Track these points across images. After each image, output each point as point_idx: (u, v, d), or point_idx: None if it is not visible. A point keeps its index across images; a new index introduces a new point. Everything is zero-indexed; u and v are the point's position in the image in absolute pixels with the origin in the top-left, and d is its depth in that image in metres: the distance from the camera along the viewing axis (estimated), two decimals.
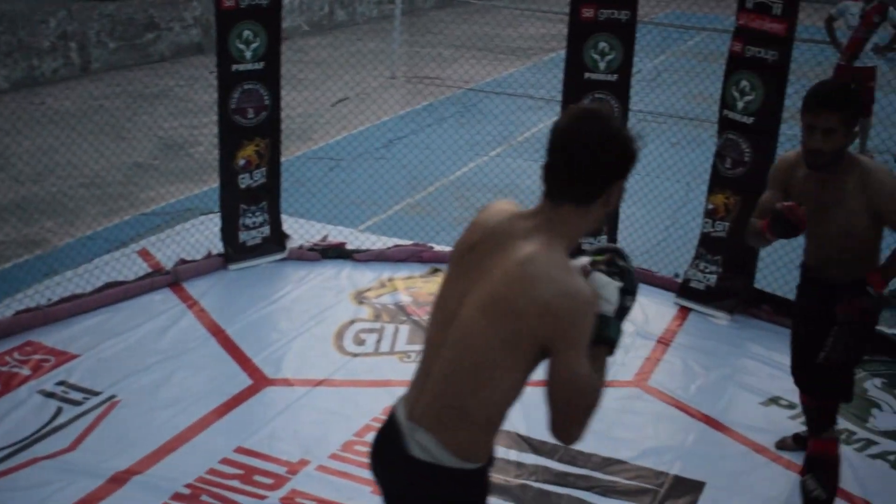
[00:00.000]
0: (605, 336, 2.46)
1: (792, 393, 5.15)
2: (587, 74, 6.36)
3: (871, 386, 5.34)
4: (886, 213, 3.70)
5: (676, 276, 6.47)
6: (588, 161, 2.40)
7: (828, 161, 3.66)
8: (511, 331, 2.37)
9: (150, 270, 6.20)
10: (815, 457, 4.03)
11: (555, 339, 2.34)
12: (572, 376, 2.35)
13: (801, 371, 4.30)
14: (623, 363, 5.42)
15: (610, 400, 4.97)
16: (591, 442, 4.59)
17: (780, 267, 6.29)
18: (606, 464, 4.48)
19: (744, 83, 5.75)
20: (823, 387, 4.05)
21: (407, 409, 2.57)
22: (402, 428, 2.54)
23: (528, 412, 4.83)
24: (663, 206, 7.80)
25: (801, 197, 3.82)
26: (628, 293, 2.53)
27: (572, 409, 2.38)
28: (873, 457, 4.69)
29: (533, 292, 2.34)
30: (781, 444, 4.70)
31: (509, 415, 2.52)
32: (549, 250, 2.39)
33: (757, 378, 5.34)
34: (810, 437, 4.12)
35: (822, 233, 3.86)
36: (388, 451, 2.60)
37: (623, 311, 2.52)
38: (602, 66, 6.33)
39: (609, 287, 2.49)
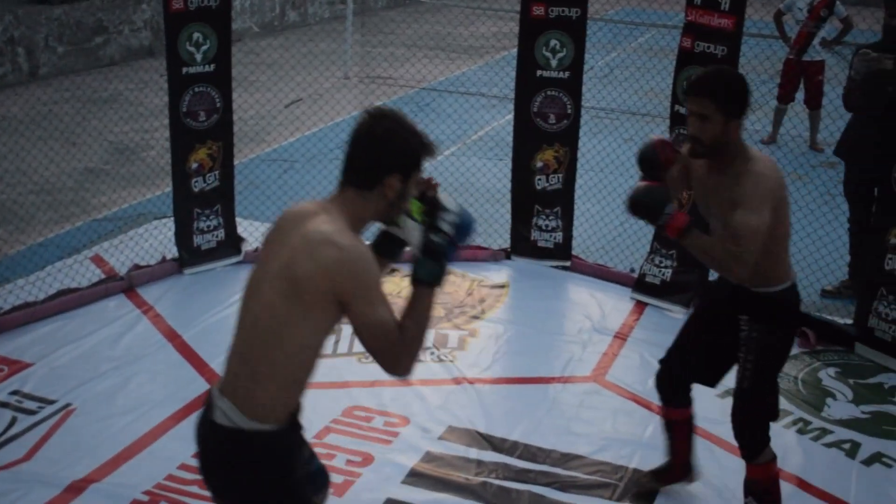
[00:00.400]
0: (416, 276, 2.71)
1: None
2: (539, 72, 6.40)
3: (826, 375, 5.41)
4: (738, 202, 3.47)
5: (632, 271, 6.51)
6: (364, 152, 2.72)
7: (706, 149, 3.54)
8: (298, 293, 2.61)
9: (103, 276, 6.13)
10: (755, 482, 3.92)
11: (344, 296, 2.61)
12: (370, 325, 2.62)
13: (678, 380, 4.16)
14: (581, 359, 5.46)
15: (568, 395, 5.06)
16: (550, 437, 4.63)
17: None
18: (566, 459, 4.50)
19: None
20: (748, 413, 3.85)
21: (218, 384, 2.80)
22: (213, 400, 2.77)
23: (487, 410, 4.88)
24: (617, 202, 7.83)
25: (697, 188, 3.77)
26: (437, 230, 2.73)
27: (386, 352, 2.65)
28: (828, 445, 4.75)
29: (315, 255, 2.60)
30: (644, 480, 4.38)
31: (309, 379, 2.75)
32: (331, 221, 2.67)
33: None
34: (746, 461, 3.93)
35: (713, 228, 3.77)
36: (200, 424, 2.82)
37: (429, 248, 2.72)
38: (554, 63, 6.37)
39: (412, 231, 2.76)
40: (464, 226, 2.77)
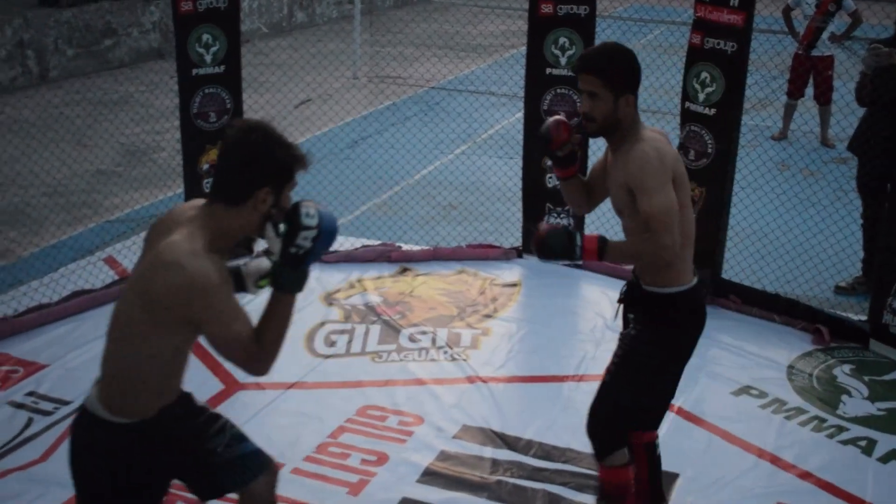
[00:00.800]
0: (277, 284, 2.78)
1: (762, 382, 5.23)
2: (549, 70, 6.40)
3: (841, 373, 5.40)
4: (634, 189, 3.38)
5: None
6: (233, 166, 2.75)
7: (598, 128, 3.47)
8: (149, 308, 2.71)
9: (117, 278, 6.15)
10: (602, 483, 3.77)
11: (194, 318, 2.69)
12: (225, 343, 2.71)
13: None
14: (594, 357, 5.45)
15: (582, 394, 5.04)
16: (565, 436, 4.63)
17: (746, 257, 6.35)
18: (581, 458, 4.49)
19: (704, 75, 5.78)
20: (598, 409, 3.70)
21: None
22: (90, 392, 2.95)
23: (501, 409, 4.88)
24: None
25: (604, 170, 3.68)
26: (292, 243, 2.74)
27: (243, 361, 2.77)
28: (844, 443, 4.73)
29: (164, 278, 2.65)
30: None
31: (171, 382, 2.90)
32: (189, 239, 2.70)
33: (727, 368, 5.38)
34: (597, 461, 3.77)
35: (618, 214, 3.64)
36: (78, 412, 2.99)
37: (288, 258, 2.75)
38: (563, 61, 6.36)
39: (270, 240, 2.78)
40: (323, 235, 2.76)
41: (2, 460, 4.34)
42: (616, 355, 3.69)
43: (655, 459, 3.94)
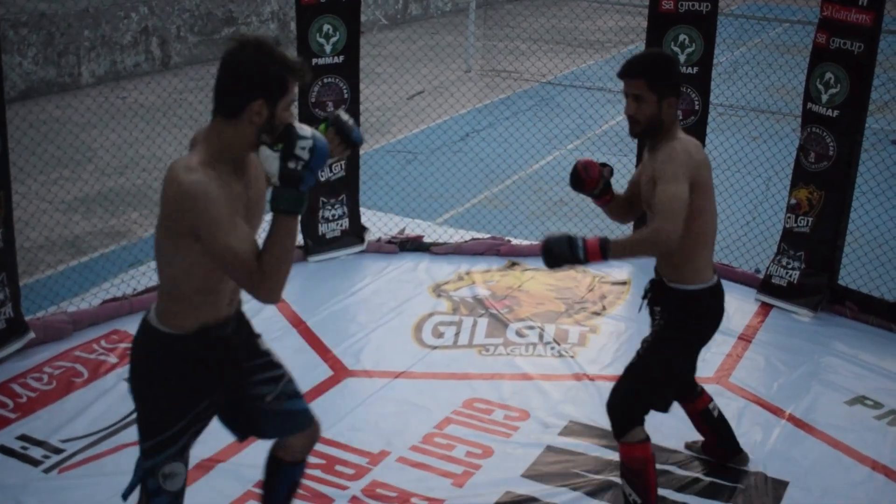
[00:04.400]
0: (276, 205, 2.77)
1: (878, 392, 5.09)
2: None
3: None
4: (657, 178, 3.59)
5: (757, 271, 6.39)
6: (227, 80, 2.79)
7: (642, 129, 3.69)
8: (166, 222, 2.81)
9: None
10: (622, 460, 3.88)
11: (192, 228, 2.75)
12: (220, 254, 2.75)
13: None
14: (704, 359, 5.33)
15: None
16: (672, 438, 4.57)
17: (864, 263, 6.17)
18: (689, 460, 4.44)
19: (828, 75, 5.64)
20: (622, 387, 3.88)
21: None
22: None
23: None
24: (743, 200, 7.70)
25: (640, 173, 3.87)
26: (291, 156, 2.74)
27: (243, 279, 2.78)
28: None
29: (167, 190, 2.76)
30: (690, 445, 4.56)
31: (211, 298, 2.94)
32: (193, 154, 2.80)
33: (841, 376, 5.25)
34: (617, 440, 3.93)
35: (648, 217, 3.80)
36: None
37: (287, 175, 2.74)
38: (682, 58, 6.27)
39: (267, 159, 2.79)
40: (318, 150, 2.76)
41: (117, 435, 4.47)
42: (644, 342, 3.92)
43: (716, 422, 4.32)
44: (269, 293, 2.80)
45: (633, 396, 3.86)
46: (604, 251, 3.56)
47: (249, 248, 2.77)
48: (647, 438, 3.86)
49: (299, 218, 2.83)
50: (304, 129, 2.77)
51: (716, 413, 4.32)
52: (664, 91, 3.64)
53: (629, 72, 3.67)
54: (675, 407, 4.87)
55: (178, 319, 2.96)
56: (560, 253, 3.57)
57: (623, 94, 3.71)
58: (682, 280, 3.80)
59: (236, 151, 2.84)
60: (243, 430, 3.31)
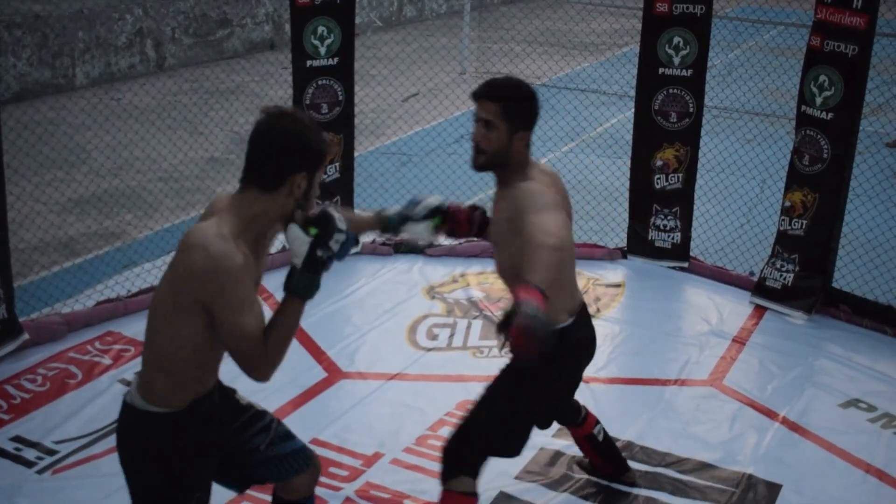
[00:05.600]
0: (290, 286, 2.73)
1: (872, 395, 5.10)
2: (661, 70, 6.32)
3: None
4: (519, 217, 3.14)
5: (752, 274, 6.40)
6: (267, 152, 2.73)
7: (487, 160, 3.33)
8: (175, 290, 2.70)
9: None
10: None
11: (210, 302, 2.64)
12: (232, 333, 2.66)
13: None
14: (697, 362, 5.38)
15: (684, 398, 4.99)
16: (666, 440, 4.58)
17: (859, 266, 6.18)
18: (681, 463, 4.44)
19: (822, 78, 5.65)
20: (456, 431, 3.54)
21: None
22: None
23: (601, 409, 4.83)
24: (738, 203, 7.71)
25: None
26: (323, 245, 2.73)
27: (246, 358, 2.69)
28: None
29: (187, 259, 2.65)
30: (579, 462, 4.35)
31: (203, 371, 2.82)
32: (216, 223, 2.69)
33: (835, 379, 5.26)
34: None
35: (498, 262, 3.48)
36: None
37: (313, 262, 2.72)
38: (676, 61, 6.28)
39: (297, 241, 2.73)
40: (348, 245, 2.76)
41: (113, 436, 4.43)
42: (489, 382, 3.58)
43: (601, 445, 4.13)
44: (267, 373, 2.75)
45: (468, 440, 3.51)
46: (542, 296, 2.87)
47: (261, 328, 2.71)
48: (475, 495, 3.49)
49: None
50: (341, 221, 2.76)
51: (601, 437, 4.10)
52: (517, 123, 3.31)
53: (484, 93, 3.32)
54: (668, 409, 4.89)
55: (168, 396, 2.82)
56: (540, 333, 2.75)
57: (474, 119, 3.36)
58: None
59: (268, 224, 2.79)
60: (242, 482, 3.24)
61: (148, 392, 2.83)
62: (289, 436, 3.21)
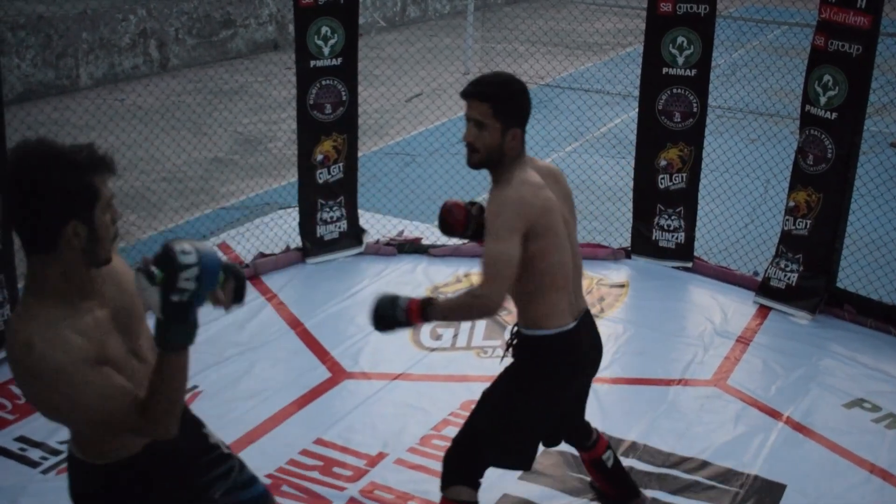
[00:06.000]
0: (164, 342, 2.30)
1: (876, 395, 5.09)
2: (665, 69, 6.32)
3: None
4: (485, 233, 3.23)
5: (755, 274, 6.39)
6: (20, 208, 2.25)
7: (480, 160, 3.31)
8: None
9: None
10: None
11: (54, 405, 2.32)
12: (93, 420, 2.33)
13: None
14: (701, 362, 5.38)
15: (688, 398, 4.99)
16: (670, 440, 4.58)
17: (863, 266, 6.18)
18: (685, 463, 4.44)
19: (827, 78, 5.65)
20: (457, 438, 3.57)
21: None
22: None
23: (605, 409, 4.85)
24: (742, 203, 7.70)
25: None
26: (172, 289, 2.24)
27: (126, 430, 2.37)
28: None
29: (13, 368, 2.30)
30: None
31: (120, 436, 2.47)
32: (18, 318, 2.30)
33: (840, 379, 5.25)
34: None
35: None
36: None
37: (171, 310, 2.26)
38: (680, 61, 6.28)
39: (145, 292, 2.27)
40: (207, 274, 2.26)
41: None
42: (487, 388, 3.58)
43: (610, 472, 4.00)
44: (165, 433, 2.38)
45: (468, 449, 3.51)
46: (424, 314, 3.26)
47: (121, 401, 2.32)
48: None
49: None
50: (187, 252, 2.25)
51: (610, 463, 4.00)
52: (510, 121, 3.26)
53: (473, 93, 3.27)
54: (672, 409, 4.89)
55: (104, 447, 2.51)
56: (384, 314, 3.29)
57: (465, 118, 3.33)
58: (529, 324, 3.42)
59: (75, 281, 2.34)
60: None
61: (84, 445, 2.55)
62: (251, 482, 2.94)
